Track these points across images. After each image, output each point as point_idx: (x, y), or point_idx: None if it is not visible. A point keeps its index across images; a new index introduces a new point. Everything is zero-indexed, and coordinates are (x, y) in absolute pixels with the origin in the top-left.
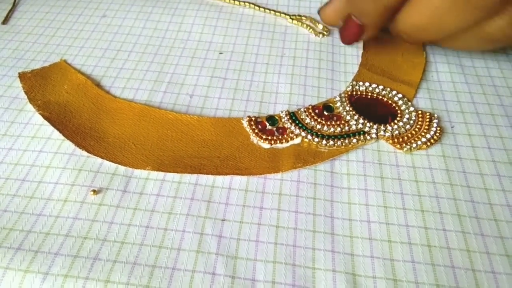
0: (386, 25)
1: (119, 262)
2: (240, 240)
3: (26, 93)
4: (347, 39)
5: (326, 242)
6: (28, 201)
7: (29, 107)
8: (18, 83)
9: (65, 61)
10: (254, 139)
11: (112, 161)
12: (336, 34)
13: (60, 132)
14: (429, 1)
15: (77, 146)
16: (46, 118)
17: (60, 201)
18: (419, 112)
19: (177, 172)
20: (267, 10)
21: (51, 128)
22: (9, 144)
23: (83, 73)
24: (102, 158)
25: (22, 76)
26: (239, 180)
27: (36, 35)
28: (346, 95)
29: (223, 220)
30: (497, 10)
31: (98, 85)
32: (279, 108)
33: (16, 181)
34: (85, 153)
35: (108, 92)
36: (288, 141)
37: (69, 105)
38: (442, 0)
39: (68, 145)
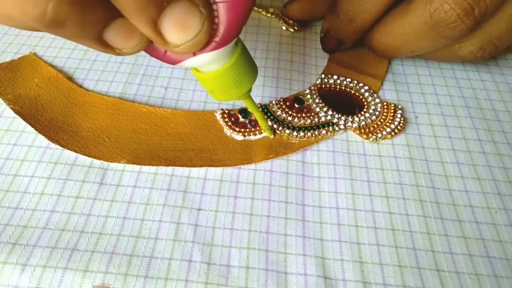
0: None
1: (98, 252)
2: (215, 228)
3: None
4: (328, 50)
5: (297, 228)
6: (4, 195)
7: (1, 100)
8: None
9: (34, 54)
10: (227, 131)
11: (87, 155)
12: (308, 27)
13: (32, 127)
14: (401, 28)
15: (50, 141)
16: (17, 112)
17: (37, 194)
18: (384, 103)
19: (152, 165)
20: None
21: None
22: None
23: (55, 66)
24: (76, 152)
25: None
26: (214, 171)
27: (6, 27)
28: (316, 88)
29: (199, 209)
30: (465, 36)
31: (71, 77)
32: None
33: None
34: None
35: (81, 85)
36: (261, 133)
37: (41, 99)
38: (411, 28)
39: (43, 138)
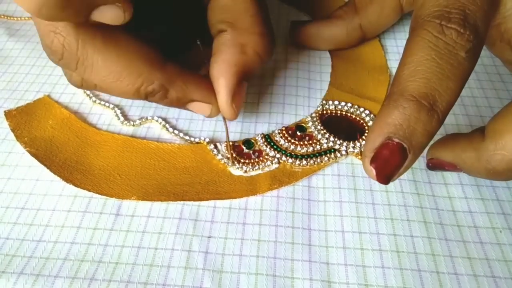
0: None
1: (114, 281)
2: (225, 255)
3: (12, 130)
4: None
5: (303, 252)
6: (28, 228)
7: None
8: None
9: (48, 96)
10: (230, 167)
11: (99, 193)
12: (312, 51)
13: (48, 168)
14: None
15: (65, 181)
16: (33, 154)
17: (58, 227)
18: None
19: (161, 200)
20: None
21: None
22: (7, 174)
23: (70, 109)
24: (90, 191)
25: (8, 114)
26: None
27: (28, 66)
28: (317, 115)
29: (209, 237)
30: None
31: (84, 121)
32: (259, 128)
33: (16, 210)
34: None
35: (94, 126)
36: (264, 162)
37: (55, 140)
38: None
39: None
